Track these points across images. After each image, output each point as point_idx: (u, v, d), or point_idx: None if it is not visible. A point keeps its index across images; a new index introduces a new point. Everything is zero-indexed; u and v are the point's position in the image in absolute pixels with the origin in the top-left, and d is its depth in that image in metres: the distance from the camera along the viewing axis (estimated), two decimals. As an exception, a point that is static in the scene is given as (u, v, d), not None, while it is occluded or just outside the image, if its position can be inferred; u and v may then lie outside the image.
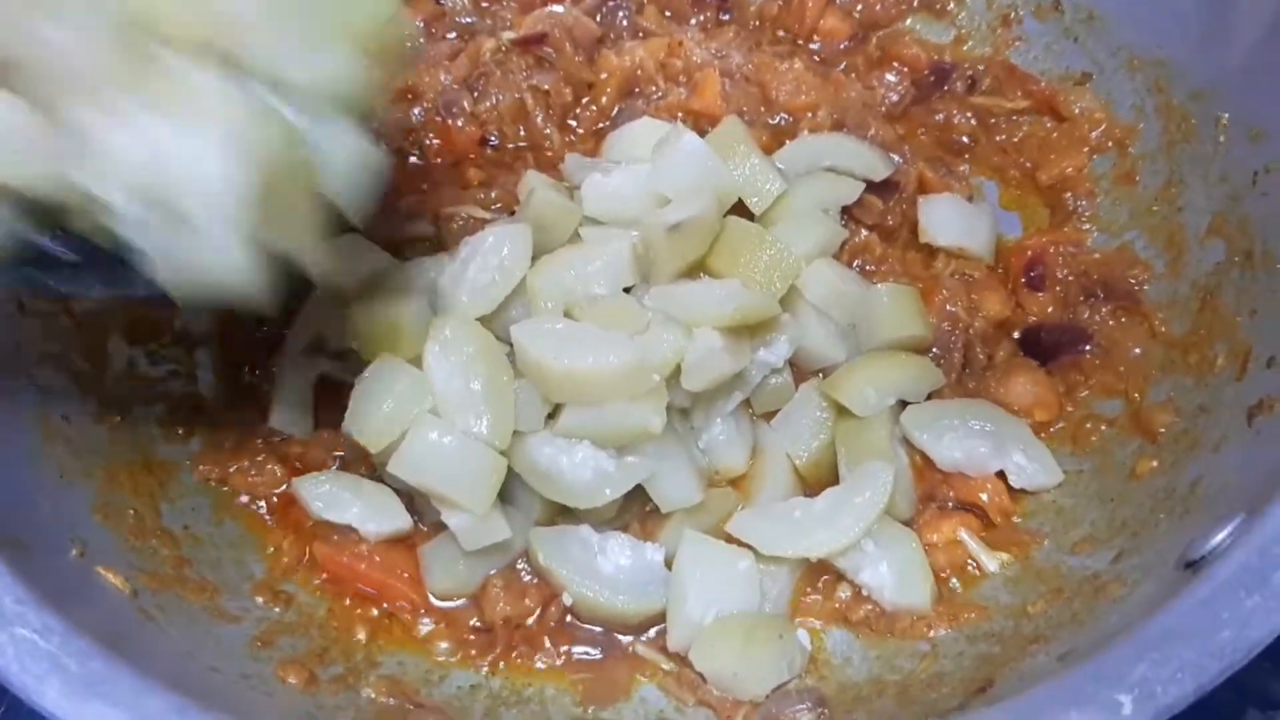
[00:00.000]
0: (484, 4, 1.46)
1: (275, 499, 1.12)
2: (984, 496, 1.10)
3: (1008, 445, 1.11)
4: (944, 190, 1.29)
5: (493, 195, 1.27)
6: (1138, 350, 1.17)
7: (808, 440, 1.12)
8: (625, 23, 1.43)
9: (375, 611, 1.06)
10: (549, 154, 1.35)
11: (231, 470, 1.12)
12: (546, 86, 1.35)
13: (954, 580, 1.07)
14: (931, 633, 1.01)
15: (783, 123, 1.35)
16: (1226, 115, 1.17)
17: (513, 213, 1.23)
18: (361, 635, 1.03)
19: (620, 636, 1.05)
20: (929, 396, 1.15)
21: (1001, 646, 0.96)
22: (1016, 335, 1.24)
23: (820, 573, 1.07)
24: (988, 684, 0.89)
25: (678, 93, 1.35)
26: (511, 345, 1.06)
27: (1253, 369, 1.02)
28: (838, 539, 1.02)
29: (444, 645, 1.04)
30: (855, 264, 1.25)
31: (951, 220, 1.27)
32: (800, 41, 1.46)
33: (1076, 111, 1.34)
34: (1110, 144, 1.32)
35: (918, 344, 1.17)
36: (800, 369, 1.16)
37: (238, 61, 0.82)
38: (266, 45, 0.83)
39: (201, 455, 1.12)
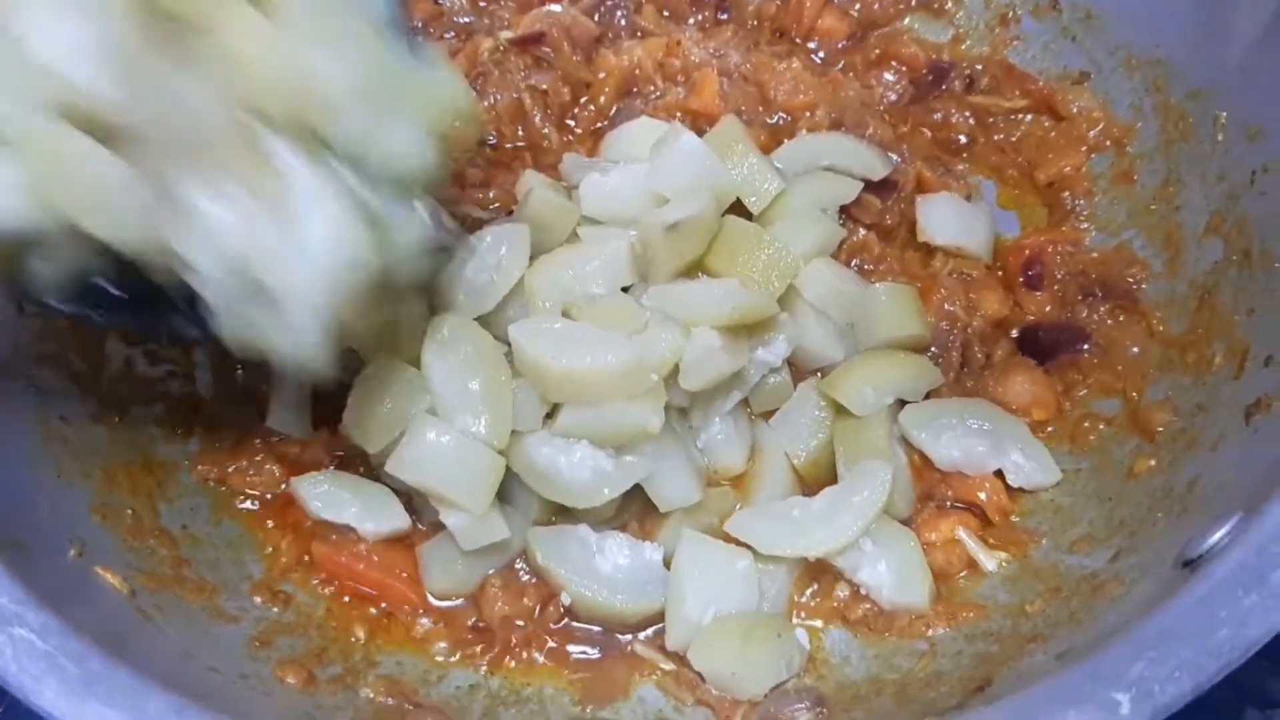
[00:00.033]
0: (482, 4, 1.46)
1: (274, 499, 1.12)
2: (982, 495, 1.10)
3: (1006, 444, 1.11)
4: (942, 189, 1.30)
5: (491, 195, 1.27)
6: (1135, 349, 1.17)
7: (806, 439, 1.12)
8: (623, 22, 1.43)
9: (374, 611, 1.06)
10: (547, 154, 1.35)
11: (230, 470, 1.12)
12: (544, 86, 1.35)
13: (952, 579, 1.06)
14: (930, 632, 1.01)
15: (781, 122, 1.35)
16: (1224, 114, 1.18)
17: (511, 212, 1.23)
18: (360, 635, 1.03)
19: (619, 636, 1.05)
20: (927, 395, 1.15)
21: (1000, 645, 0.96)
22: (1014, 334, 1.24)
23: (818, 572, 1.07)
24: (986, 683, 0.89)
25: (676, 92, 1.35)
26: (509, 345, 1.06)
27: (1250, 368, 1.02)
28: (836, 538, 1.02)
29: (442, 645, 1.04)
30: (853, 263, 1.25)
31: (950, 219, 1.27)
32: (798, 41, 1.46)
33: (1074, 111, 1.34)
34: (1108, 143, 1.32)
35: (916, 343, 1.17)
36: (798, 368, 1.16)
37: (328, 141, 0.87)
38: (355, 127, 0.88)
39: (200, 455, 1.12)
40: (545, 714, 1.00)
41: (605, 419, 1.02)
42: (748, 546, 1.04)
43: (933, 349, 1.18)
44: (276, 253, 0.85)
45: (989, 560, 1.06)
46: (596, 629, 1.05)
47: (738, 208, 1.19)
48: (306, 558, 1.08)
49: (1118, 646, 0.75)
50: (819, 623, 1.05)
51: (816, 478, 1.12)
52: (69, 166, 0.80)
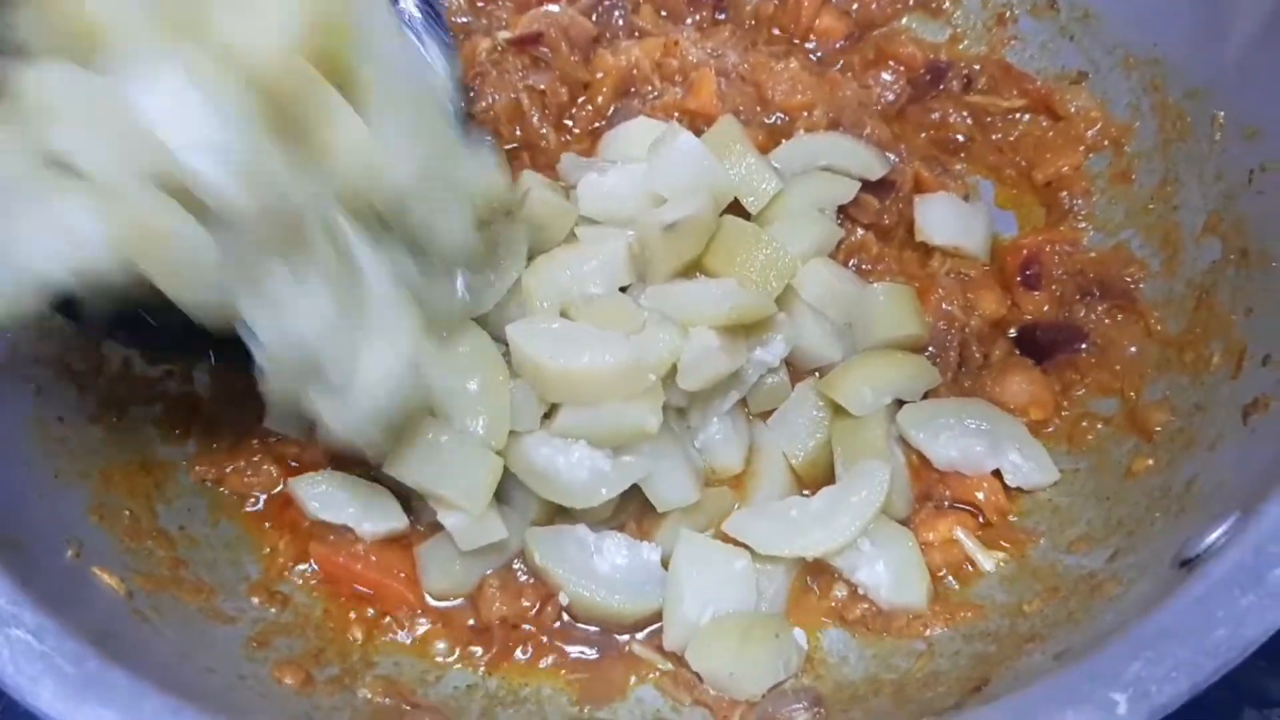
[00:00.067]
0: (480, 4, 1.46)
1: (271, 499, 1.12)
2: (980, 495, 1.10)
3: (1004, 444, 1.11)
4: (940, 189, 1.30)
5: (488, 195, 1.27)
6: (1133, 349, 1.17)
7: (804, 439, 1.12)
8: (621, 22, 1.43)
9: (371, 612, 1.05)
10: (545, 153, 1.35)
11: (228, 471, 1.12)
12: (542, 86, 1.35)
13: (950, 579, 1.07)
14: (928, 631, 1.01)
15: (778, 122, 1.35)
16: (1222, 114, 1.18)
17: (509, 212, 1.23)
18: (358, 635, 1.03)
19: (616, 636, 1.05)
20: (925, 395, 1.15)
21: (997, 645, 0.96)
22: (1012, 334, 1.24)
23: (816, 572, 1.07)
24: (983, 683, 0.89)
25: (673, 92, 1.35)
26: (507, 345, 1.05)
27: (1248, 367, 1.02)
28: (834, 538, 1.02)
29: (440, 645, 1.04)
30: (851, 263, 1.25)
31: (947, 219, 1.27)
32: (796, 41, 1.46)
33: (1072, 110, 1.34)
34: (1106, 143, 1.32)
35: (914, 343, 1.17)
36: (796, 368, 1.16)
37: (390, 224, 0.93)
38: (420, 213, 0.93)
39: (197, 456, 1.12)
40: (543, 714, 1.00)
41: (603, 419, 1.02)
42: (745, 546, 1.04)
43: (930, 349, 1.18)
44: (348, 350, 0.89)
45: (987, 560, 1.07)
46: (594, 629, 1.05)
47: (735, 208, 1.19)
48: (304, 558, 1.08)
49: (1115, 646, 0.75)
50: (817, 623, 1.05)
51: (814, 478, 1.12)
52: (157, 233, 0.81)
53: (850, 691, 0.99)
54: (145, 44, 0.83)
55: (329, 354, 0.89)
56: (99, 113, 0.82)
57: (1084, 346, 1.19)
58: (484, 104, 1.34)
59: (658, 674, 1.02)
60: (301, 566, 1.08)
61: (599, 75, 1.38)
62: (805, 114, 1.33)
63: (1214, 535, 0.81)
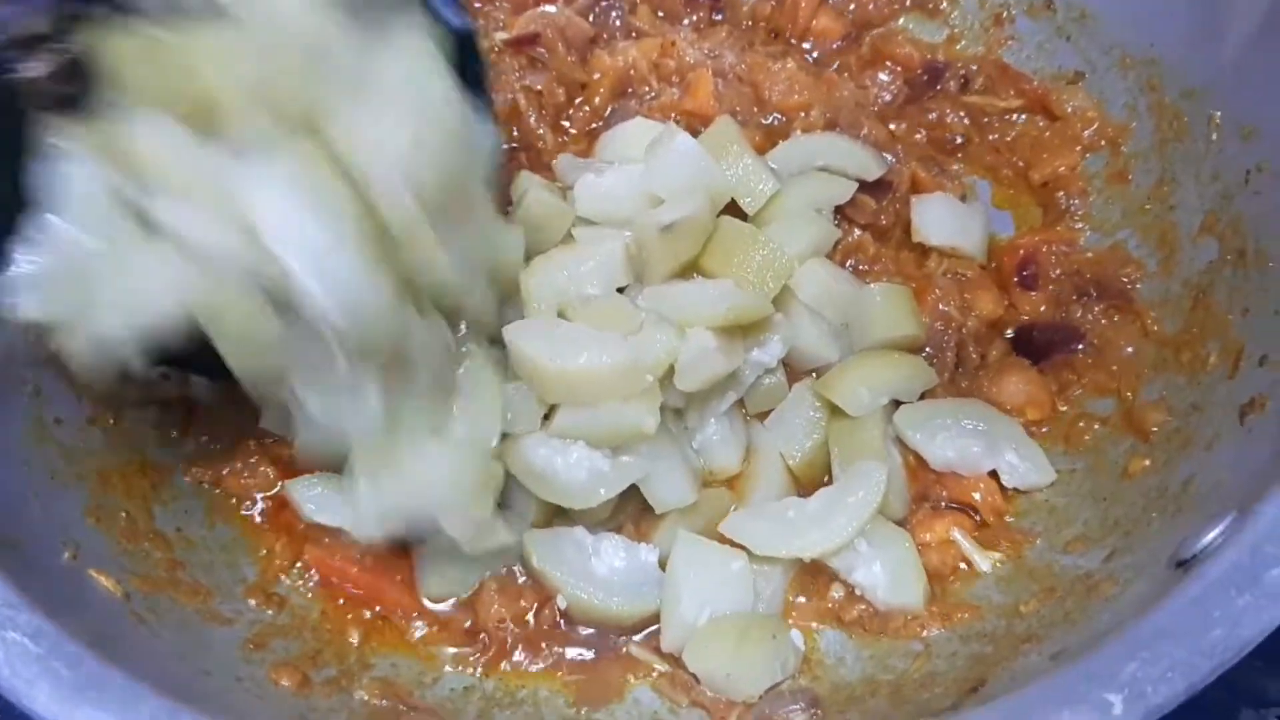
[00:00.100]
0: (476, 4, 1.46)
1: (268, 501, 1.12)
2: (977, 496, 1.10)
3: (1000, 444, 1.11)
4: (937, 189, 1.30)
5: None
6: (1130, 349, 1.17)
7: (801, 440, 1.12)
8: (618, 23, 1.43)
9: (368, 613, 1.05)
10: (542, 154, 1.35)
11: (224, 472, 1.12)
12: (539, 87, 1.35)
13: (947, 580, 1.06)
14: (924, 632, 1.01)
15: (775, 122, 1.35)
16: (1219, 114, 1.18)
17: (506, 213, 1.23)
18: (354, 637, 1.03)
19: (613, 638, 1.05)
20: (922, 396, 1.15)
21: (994, 646, 0.96)
22: (1009, 334, 1.24)
23: (813, 573, 1.07)
24: (980, 683, 0.89)
25: (671, 93, 1.35)
26: (505, 346, 1.05)
27: (1245, 367, 1.02)
28: (831, 539, 1.02)
29: (437, 647, 1.04)
30: (848, 264, 1.25)
31: (944, 219, 1.27)
32: (793, 41, 1.45)
33: (1069, 110, 1.34)
34: (1103, 143, 1.32)
35: (911, 343, 1.17)
36: (793, 369, 1.16)
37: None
38: (452, 296, 0.97)
39: (194, 458, 1.12)
40: (540, 716, 1.00)
41: (601, 420, 1.01)
42: (742, 547, 1.04)
43: (927, 349, 1.18)
44: (386, 448, 0.92)
45: (984, 561, 1.07)
46: (591, 631, 1.05)
47: (732, 208, 1.19)
48: (301, 560, 1.08)
49: (1111, 647, 0.75)
50: (814, 624, 1.05)
51: (811, 478, 1.12)
52: (237, 314, 0.83)
53: (847, 692, 0.99)
54: (265, 130, 0.83)
55: (364, 447, 0.92)
56: (205, 189, 0.81)
57: (1081, 347, 1.19)
58: (481, 105, 1.34)
59: (655, 675, 1.02)
60: (298, 568, 1.08)
61: (596, 76, 1.38)
62: (802, 114, 1.33)
63: (1210, 535, 0.81)
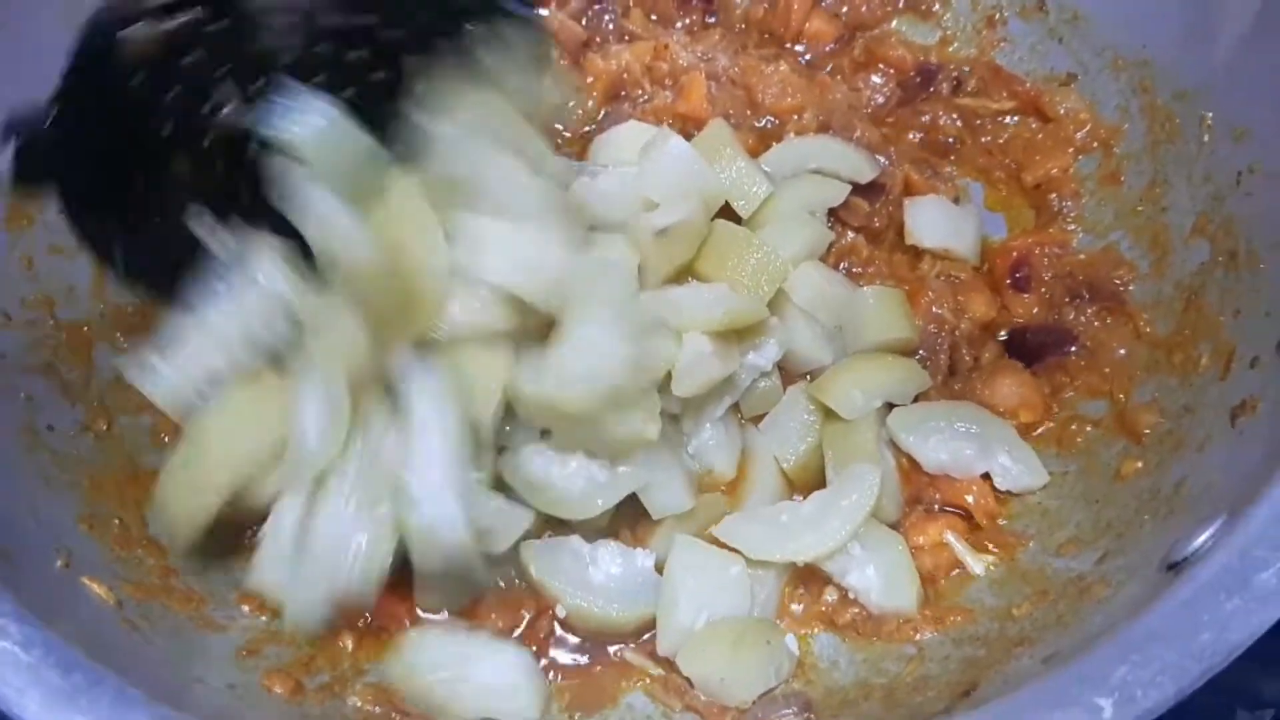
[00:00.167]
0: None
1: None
2: (970, 499, 1.10)
3: (993, 447, 1.11)
4: (930, 192, 1.30)
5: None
6: (1123, 351, 1.17)
7: (795, 443, 1.12)
8: (611, 26, 1.43)
9: (361, 623, 1.05)
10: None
11: (218, 478, 1.11)
12: (533, 90, 1.35)
13: (940, 583, 1.07)
14: (918, 636, 1.01)
15: (769, 125, 1.35)
16: (1210, 115, 1.18)
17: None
18: (348, 644, 1.03)
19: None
20: (915, 399, 1.15)
21: (987, 649, 0.96)
22: (1002, 337, 1.24)
23: (807, 576, 1.07)
24: (972, 687, 0.89)
25: (664, 96, 1.35)
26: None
27: (1236, 369, 1.02)
28: (825, 542, 1.02)
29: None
30: (842, 266, 1.25)
31: (937, 222, 1.27)
32: (786, 44, 1.45)
33: (1061, 112, 1.34)
34: (1095, 144, 1.32)
35: (904, 346, 1.17)
36: (787, 372, 1.16)
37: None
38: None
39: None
40: (533, 722, 1.00)
41: (602, 431, 1.00)
42: (737, 551, 1.04)
43: (921, 352, 1.19)
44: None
45: (977, 563, 1.07)
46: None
47: (726, 211, 1.19)
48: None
49: (1102, 650, 0.75)
50: (807, 627, 1.05)
51: (806, 481, 1.12)
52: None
53: (840, 696, 0.99)
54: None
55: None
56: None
57: (1073, 349, 1.19)
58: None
59: (649, 680, 1.02)
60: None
61: (589, 79, 1.38)
62: (795, 117, 1.33)
63: (1201, 539, 0.81)
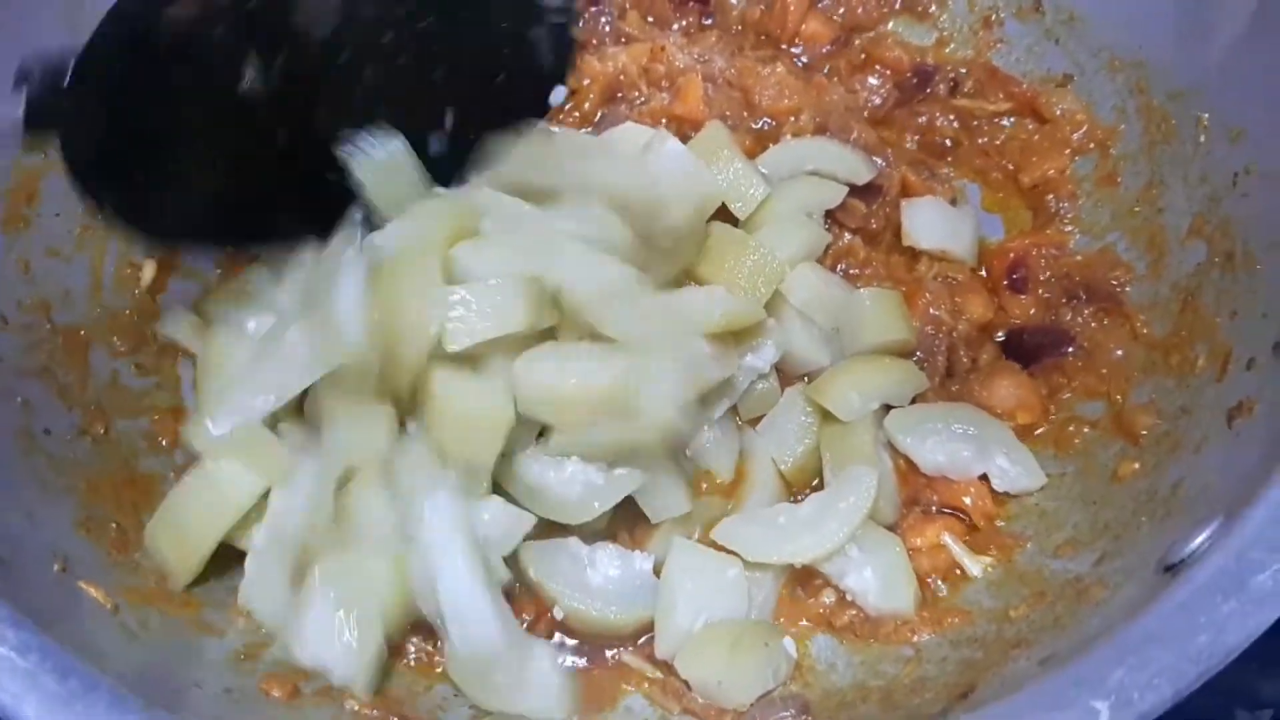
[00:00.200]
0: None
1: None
2: (967, 500, 1.10)
3: (991, 448, 1.11)
4: (927, 193, 1.29)
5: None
6: (1120, 352, 1.17)
7: (793, 445, 1.12)
8: (607, 28, 1.43)
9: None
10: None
11: (215, 481, 1.11)
12: (529, 92, 1.35)
13: (938, 584, 1.06)
14: (915, 638, 1.01)
15: (765, 127, 1.35)
16: (1207, 116, 1.18)
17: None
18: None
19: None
20: (913, 400, 1.15)
21: (984, 651, 0.96)
22: (999, 338, 1.24)
23: (805, 578, 1.07)
24: (970, 689, 0.88)
25: (660, 98, 1.34)
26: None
27: (1233, 370, 1.02)
28: (822, 544, 1.02)
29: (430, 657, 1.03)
30: (839, 268, 1.25)
31: (934, 223, 1.27)
32: (782, 45, 1.45)
33: (1058, 113, 1.34)
34: (1092, 145, 1.32)
35: (901, 348, 1.17)
36: (785, 374, 1.16)
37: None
38: None
39: (185, 468, 1.11)
40: (531, 725, 1.00)
41: (599, 434, 1.00)
42: (734, 554, 1.04)
43: (918, 353, 1.18)
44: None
45: (974, 565, 1.07)
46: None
47: (723, 213, 1.19)
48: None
49: (1099, 652, 0.74)
50: (805, 629, 1.05)
51: (803, 483, 1.12)
52: None
53: (838, 698, 0.99)
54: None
55: None
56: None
57: (1071, 350, 1.19)
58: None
59: (647, 683, 1.02)
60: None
61: (585, 81, 1.37)
62: (792, 119, 1.33)
63: (1198, 540, 0.81)
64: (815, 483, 1.13)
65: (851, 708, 0.97)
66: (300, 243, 1.08)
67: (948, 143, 1.38)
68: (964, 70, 1.42)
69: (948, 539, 1.08)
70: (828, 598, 1.06)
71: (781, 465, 1.11)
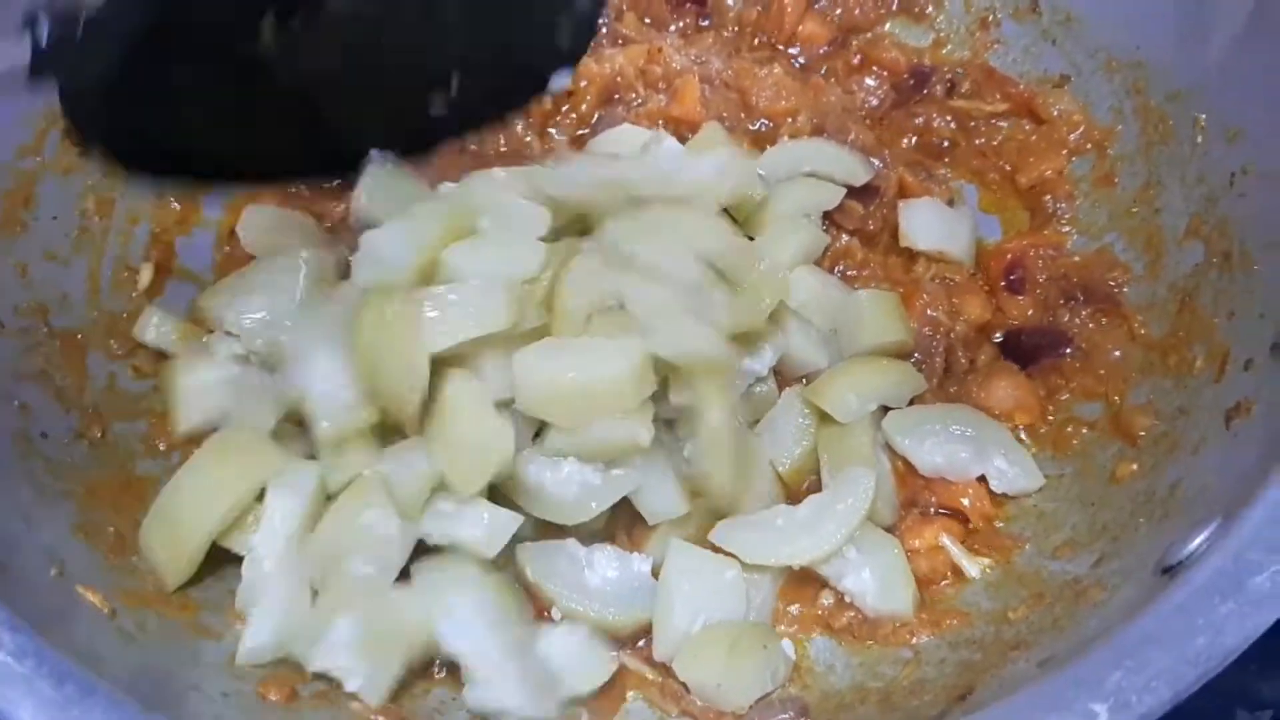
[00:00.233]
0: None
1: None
2: (966, 501, 1.10)
3: (989, 450, 1.11)
4: (924, 194, 1.30)
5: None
6: (1117, 353, 1.17)
7: (791, 447, 1.12)
8: (604, 29, 1.43)
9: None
10: (530, 162, 1.34)
11: (213, 484, 1.11)
12: (527, 94, 1.35)
13: (936, 586, 1.06)
14: (914, 639, 1.01)
15: (763, 128, 1.35)
16: (1204, 116, 1.18)
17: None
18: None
19: (605, 647, 1.04)
20: (911, 401, 1.15)
21: (983, 653, 0.96)
22: (997, 339, 1.24)
23: (803, 580, 1.06)
24: (968, 691, 0.88)
25: (658, 99, 1.35)
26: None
27: (1231, 371, 1.02)
28: (820, 546, 1.02)
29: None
30: (836, 269, 1.25)
31: (932, 224, 1.27)
32: (780, 47, 1.45)
33: (1055, 114, 1.34)
34: (1089, 146, 1.32)
35: (899, 349, 1.17)
36: (783, 375, 1.16)
37: None
38: None
39: (182, 470, 1.12)
40: (531, 727, 0.99)
41: (595, 436, 1.00)
42: (732, 555, 1.04)
43: (916, 355, 1.18)
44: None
45: (972, 567, 1.06)
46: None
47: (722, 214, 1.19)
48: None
49: (1098, 654, 0.74)
50: (803, 631, 1.05)
51: (801, 485, 1.12)
52: None
53: (837, 700, 0.99)
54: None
55: None
56: None
57: (1068, 351, 1.19)
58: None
59: (645, 685, 1.01)
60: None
61: (583, 83, 1.37)
62: (789, 120, 1.33)
63: (1196, 542, 0.81)
64: (810, 483, 1.12)
65: (850, 710, 0.97)
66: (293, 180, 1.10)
67: (945, 144, 1.38)
68: (961, 71, 1.42)
69: (946, 540, 1.08)
70: (826, 599, 1.06)
71: (780, 467, 1.11)
